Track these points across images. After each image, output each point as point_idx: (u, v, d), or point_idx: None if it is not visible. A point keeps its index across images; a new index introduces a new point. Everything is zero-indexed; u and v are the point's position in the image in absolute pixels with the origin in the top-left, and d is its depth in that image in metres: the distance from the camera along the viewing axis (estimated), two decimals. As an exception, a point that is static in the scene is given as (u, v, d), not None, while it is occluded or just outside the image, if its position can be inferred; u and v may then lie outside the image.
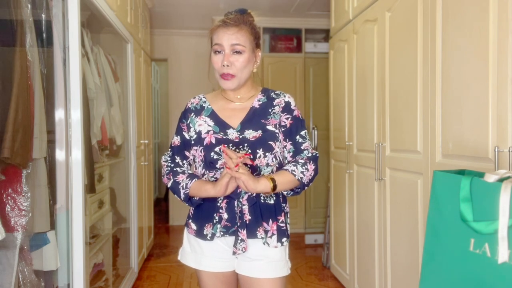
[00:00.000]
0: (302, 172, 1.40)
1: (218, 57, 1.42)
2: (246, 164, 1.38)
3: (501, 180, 1.10)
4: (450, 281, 1.19)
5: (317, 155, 1.47)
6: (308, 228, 4.74)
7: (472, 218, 1.12)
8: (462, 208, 1.15)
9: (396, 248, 2.21)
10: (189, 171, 1.49)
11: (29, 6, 1.80)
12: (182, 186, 1.42)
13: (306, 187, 1.45)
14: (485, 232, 1.09)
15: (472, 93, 1.56)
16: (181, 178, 1.44)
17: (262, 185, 1.33)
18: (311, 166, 1.43)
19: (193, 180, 1.41)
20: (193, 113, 1.50)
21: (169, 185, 1.47)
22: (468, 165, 1.55)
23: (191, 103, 1.53)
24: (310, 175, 1.43)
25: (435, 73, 1.79)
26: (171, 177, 1.46)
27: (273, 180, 1.34)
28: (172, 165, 1.49)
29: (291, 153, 1.46)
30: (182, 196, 1.42)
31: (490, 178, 1.11)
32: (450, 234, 1.19)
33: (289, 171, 1.39)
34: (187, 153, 1.51)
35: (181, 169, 1.48)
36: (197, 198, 1.43)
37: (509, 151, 1.36)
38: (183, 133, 1.50)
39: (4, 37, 1.74)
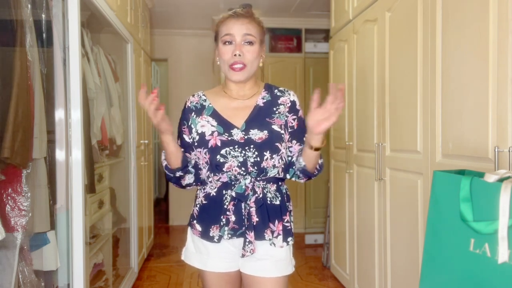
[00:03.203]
0: (322, 161, 1.45)
1: (228, 47, 1.39)
2: (259, 164, 1.38)
3: (501, 180, 1.10)
4: (450, 281, 1.19)
5: None
6: (308, 228, 4.74)
7: (472, 218, 1.12)
8: (462, 208, 1.15)
9: (396, 248, 2.21)
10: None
11: (29, 6, 1.80)
12: (162, 164, 1.45)
13: (313, 177, 1.47)
14: (485, 232, 1.09)
15: (472, 93, 1.56)
16: (161, 160, 1.46)
17: (322, 139, 1.34)
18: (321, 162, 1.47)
19: (163, 152, 1.44)
20: (193, 113, 1.46)
21: (168, 178, 1.47)
22: (468, 165, 1.55)
23: (191, 102, 1.49)
24: (320, 171, 1.47)
25: (435, 73, 1.79)
26: (165, 170, 1.46)
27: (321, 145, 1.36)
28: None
29: (298, 154, 1.46)
30: (167, 172, 1.44)
31: (490, 178, 1.11)
32: (450, 234, 1.19)
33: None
34: (187, 155, 1.47)
35: None
36: (176, 161, 1.41)
37: (509, 151, 1.36)
38: (184, 135, 1.47)
39: (4, 37, 1.74)
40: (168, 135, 1.35)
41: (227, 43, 1.39)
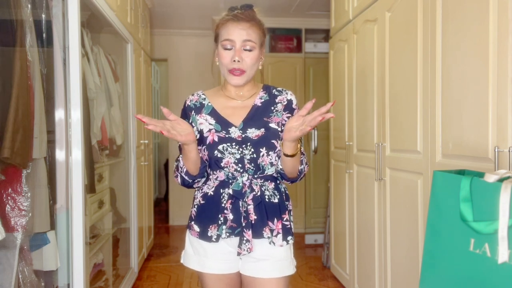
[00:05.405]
0: (303, 168, 1.41)
1: (228, 52, 1.38)
2: (255, 161, 1.37)
3: (501, 180, 1.10)
4: (450, 281, 1.19)
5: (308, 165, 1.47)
6: (308, 228, 4.74)
7: (472, 218, 1.12)
8: (462, 208, 1.15)
9: (396, 248, 2.21)
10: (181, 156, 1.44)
11: (29, 6, 1.80)
12: (181, 171, 1.40)
13: (291, 182, 1.44)
14: (485, 232, 1.09)
15: (472, 93, 1.56)
16: (180, 165, 1.41)
17: (296, 145, 1.31)
18: (306, 169, 1.43)
19: (180, 156, 1.40)
20: (193, 111, 1.46)
21: (180, 182, 1.43)
22: (468, 165, 1.55)
23: (190, 100, 1.49)
24: (299, 177, 1.43)
25: (435, 73, 1.79)
26: (177, 173, 1.43)
27: (298, 150, 1.33)
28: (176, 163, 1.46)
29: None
30: (187, 178, 1.39)
31: (490, 178, 1.11)
32: (450, 234, 1.19)
33: (301, 157, 1.38)
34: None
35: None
36: (195, 169, 1.38)
37: (509, 151, 1.36)
38: None
39: (4, 37, 1.73)
40: (191, 144, 1.32)
41: (227, 48, 1.39)
